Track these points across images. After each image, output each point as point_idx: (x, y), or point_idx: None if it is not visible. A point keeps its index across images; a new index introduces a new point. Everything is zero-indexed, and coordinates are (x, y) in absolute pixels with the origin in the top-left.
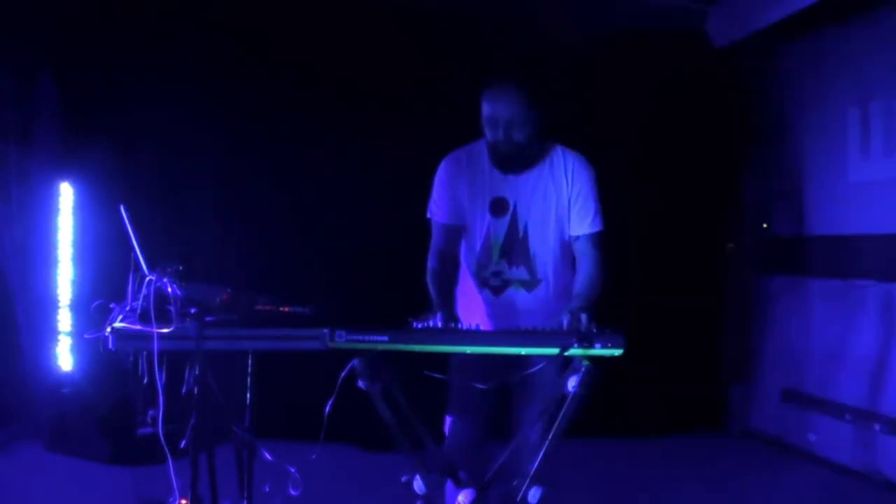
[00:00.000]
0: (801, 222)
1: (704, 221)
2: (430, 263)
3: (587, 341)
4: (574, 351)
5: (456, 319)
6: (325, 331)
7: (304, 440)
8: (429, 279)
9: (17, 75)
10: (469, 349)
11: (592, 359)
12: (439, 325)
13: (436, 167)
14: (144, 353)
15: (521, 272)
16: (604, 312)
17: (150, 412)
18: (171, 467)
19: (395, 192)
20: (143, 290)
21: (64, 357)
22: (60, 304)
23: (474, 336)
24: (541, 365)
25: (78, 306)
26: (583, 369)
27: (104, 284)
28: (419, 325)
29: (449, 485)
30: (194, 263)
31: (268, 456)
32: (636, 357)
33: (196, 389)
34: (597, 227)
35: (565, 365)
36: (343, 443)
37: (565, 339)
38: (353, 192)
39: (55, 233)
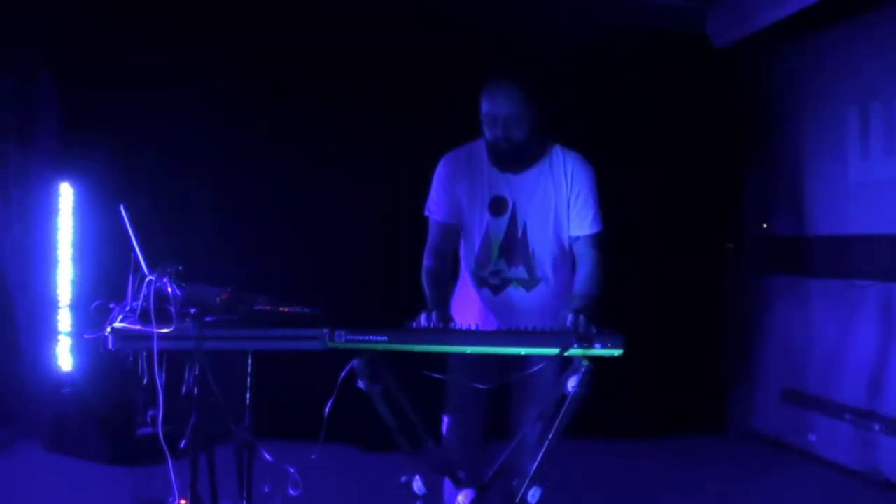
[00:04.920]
0: (801, 222)
1: (704, 221)
2: (426, 262)
3: (587, 341)
4: (574, 351)
5: (450, 319)
6: (325, 331)
7: (304, 440)
8: (424, 277)
9: (17, 75)
10: (469, 349)
11: (592, 359)
12: (432, 323)
13: (435, 166)
14: (144, 353)
15: (520, 271)
16: (603, 312)
17: (150, 412)
18: (171, 467)
19: (395, 192)
20: (143, 290)
21: (64, 357)
22: (60, 304)
23: (474, 336)
24: (541, 365)
25: (78, 306)
26: (583, 369)
27: (104, 284)
28: (413, 325)
29: (448, 485)
30: (194, 263)
31: (268, 456)
32: (636, 357)
33: (196, 389)
34: (596, 228)
35: (565, 365)
36: (343, 443)
37: (565, 339)
38: (353, 191)
39: (55, 233)
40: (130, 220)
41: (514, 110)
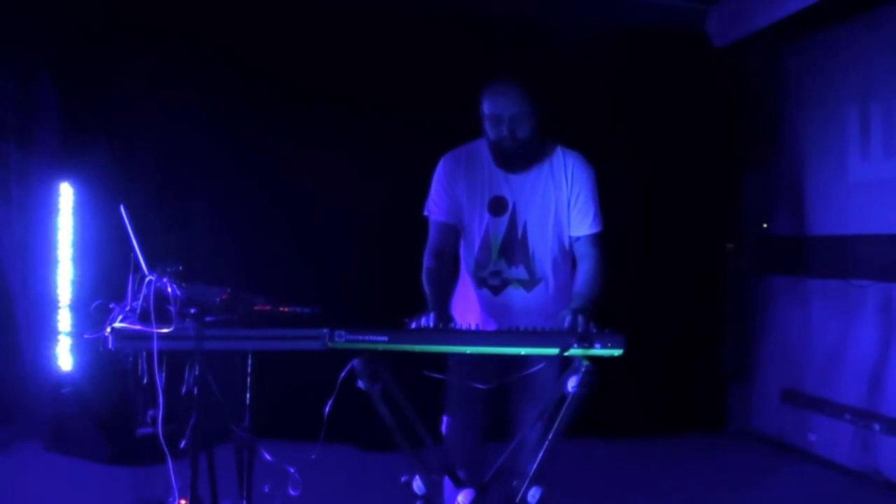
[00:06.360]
0: (801, 222)
1: (704, 221)
2: (426, 262)
3: (587, 341)
4: (574, 351)
5: (450, 319)
6: (325, 331)
7: (304, 440)
8: (424, 278)
9: (17, 75)
10: (469, 349)
11: (592, 359)
12: (432, 324)
13: (435, 165)
14: (144, 353)
15: (520, 272)
16: (604, 312)
17: (150, 412)
18: (171, 467)
19: (395, 192)
20: (143, 290)
21: (64, 357)
22: (60, 304)
23: (474, 336)
24: (541, 365)
25: (78, 306)
26: (583, 369)
27: (104, 284)
28: (413, 325)
29: (448, 485)
30: (194, 263)
31: (268, 456)
32: (636, 357)
33: (196, 389)
34: (596, 228)
35: (565, 365)
36: (343, 443)
37: (565, 339)
38: (352, 191)
39: (55, 233)
40: (130, 220)
41: (518, 109)
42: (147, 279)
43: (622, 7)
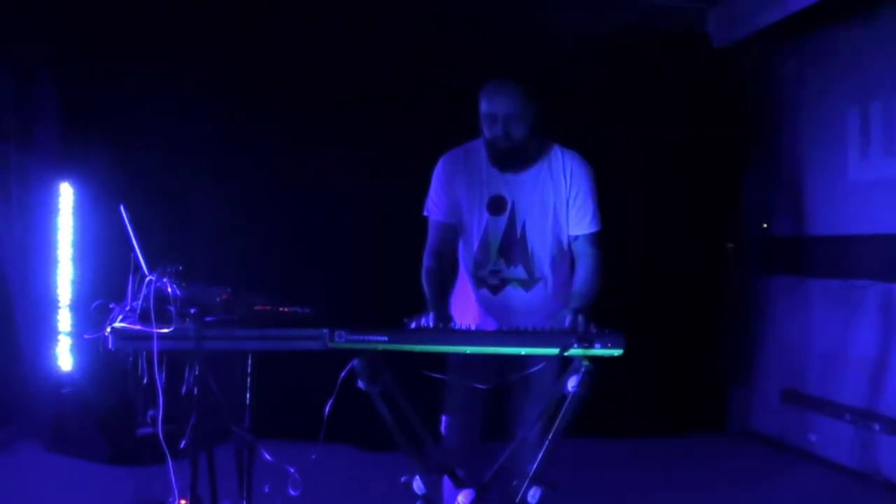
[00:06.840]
0: (801, 222)
1: (704, 221)
2: (426, 262)
3: (587, 341)
4: (574, 351)
5: (449, 319)
6: (325, 331)
7: (304, 440)
8: (423, 278)
9: (17, 75)
10: (469, 349)
11: (592, 358)
12: (431, 324)
13: (434, 165)
14: (144, 353)
15: (519, 271)
16: (603, 312)
17: (150, 412)
18: (171, 467)
19: (395, 192)
20: (143, 290)
21: (64, 357)
22: (60, 304)
23: (474, 336)
24: (540, 365)
25: (78, 306)
26: (583, 369)
27: (104, 284)
28: (413, 325)
29: (448, 485)
30: (194, 263)
31: (268, 456)
32: (636, 357)
33: (196, 389)
34: (595, 227)
35: (565, 365)
36: (343, 443)
37: (565, 339)
38: (352, 191)
39: (55, 233)
40: (130, 220)
41: (513, 109)
42: (147, 279)
43: (622, 7)
